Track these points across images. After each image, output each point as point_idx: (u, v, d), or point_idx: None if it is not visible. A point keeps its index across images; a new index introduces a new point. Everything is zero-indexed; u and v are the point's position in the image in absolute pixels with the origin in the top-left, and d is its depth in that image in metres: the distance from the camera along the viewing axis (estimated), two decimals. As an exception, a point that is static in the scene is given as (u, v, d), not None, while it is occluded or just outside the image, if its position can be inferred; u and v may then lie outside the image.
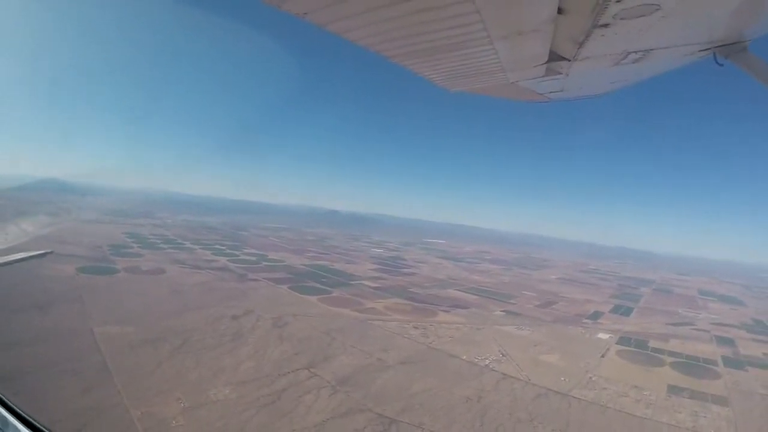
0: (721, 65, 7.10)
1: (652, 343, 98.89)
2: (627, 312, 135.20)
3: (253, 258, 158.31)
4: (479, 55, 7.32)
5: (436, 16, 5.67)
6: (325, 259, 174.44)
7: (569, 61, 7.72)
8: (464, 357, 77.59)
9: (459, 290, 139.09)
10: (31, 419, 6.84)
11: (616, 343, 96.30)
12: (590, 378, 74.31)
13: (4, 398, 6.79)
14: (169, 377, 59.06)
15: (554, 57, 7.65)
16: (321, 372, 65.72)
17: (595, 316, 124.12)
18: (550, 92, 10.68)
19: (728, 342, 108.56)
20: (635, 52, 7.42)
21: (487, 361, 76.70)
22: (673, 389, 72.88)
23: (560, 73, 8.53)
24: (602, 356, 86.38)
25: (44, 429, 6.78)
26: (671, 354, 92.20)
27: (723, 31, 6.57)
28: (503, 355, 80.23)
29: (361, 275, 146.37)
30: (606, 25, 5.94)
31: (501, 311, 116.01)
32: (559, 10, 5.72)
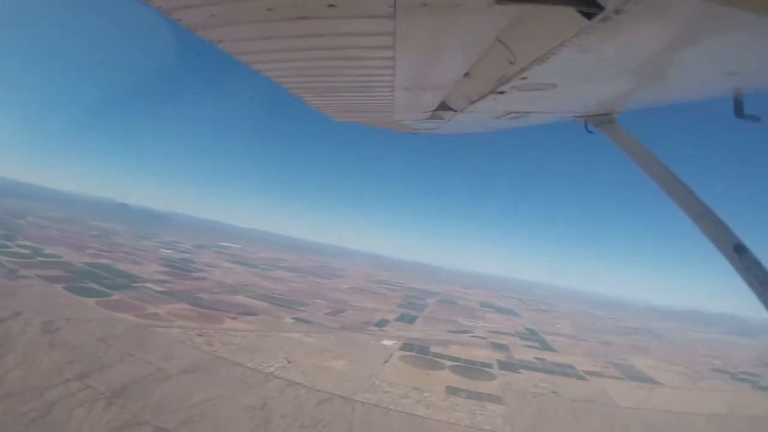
0: (591, 132, 8.03)
1: (434, 349, 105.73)
2: (412, 320, 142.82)
3: (27, 251, 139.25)
4: (377, 98, 7.85)
5: (351, 63, 5.98)
6: (108, 258, 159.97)
7: (456, 111, 8.39)
8: (249, 365, 77.12)
9: (249, 297, 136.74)
10: None
11: (400, 349, 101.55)
12: (374, 382, 77.79)
13: None
14: None
15: (443, 107, 8.31)
16: (95, 383, 61.33)
17: (382, 323, 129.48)
18: (426, 129, 11.43)
19: (503, 348, 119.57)
20: (517, 112, 8.12)
21: (273, 369, 76.99)
22: (452, 390, 78.93)
23: (443, 119, 9.23)
24: (386, 361, 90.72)
25: None
26: (451, 358, 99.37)
27: (597, 104, 7.40)
28: (289, 362, 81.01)
29: (145, 277, 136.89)
30: (502, 92, 6.47)
31: (290, 318, 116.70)
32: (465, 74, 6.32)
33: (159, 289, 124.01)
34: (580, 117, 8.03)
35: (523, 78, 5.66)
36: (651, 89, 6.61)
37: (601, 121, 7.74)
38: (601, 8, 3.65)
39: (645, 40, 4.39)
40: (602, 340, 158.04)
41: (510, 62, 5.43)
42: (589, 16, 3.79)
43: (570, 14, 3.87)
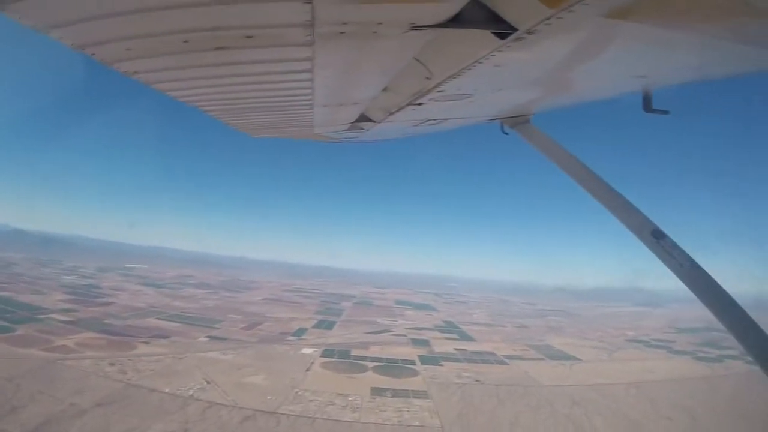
0: (507, 134, 8.35)
1: (354, 352, 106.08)
2: (330, 326, 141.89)
3: None
4: (296, 116, 7.94)
5: (270, 86, 6.04)
6: (8, 290, 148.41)
7: (375, 122, 8.58)
8: (166, 390, 74.85)
9: (160, 318, 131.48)
10: None
11: (321, 356, 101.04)
12: (297, 393, 77.27)
13: None
14: None
15: (362, 119, 8.47)
16: (8, 426, 58.49)
17: (300, 332, 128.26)
18: (346, 138, 11.60)
19: (423, 343, 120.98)
20: (434, 119, 8.43)
21: (191, 391, 75.09)
22: (377, 391, 79.63)
23: (363, 129, 9.43)
24: (307, 370, 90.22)
25: None
26: (372, 360, 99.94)
27: (511, 108, 7.74)
28: (208, 383, 79.24)
29: (50, 307, 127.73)
30: (420, 104, 6.70)
31: (205, 337, 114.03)
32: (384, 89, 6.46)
33: (65, 318, 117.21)
34: (495, 119, 8.44)
35: (440, 91, 5.90)
36: (564, 93, 7.05)
37: (516, 122, 8.14)
38: (514, 29, 3.92)
39: (557, 54, 4.72)
40: (519, 324, 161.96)
41: (427, 78, 5.65)
42: (502, 36, 4.06)
43: (484, 36, 4.13)
